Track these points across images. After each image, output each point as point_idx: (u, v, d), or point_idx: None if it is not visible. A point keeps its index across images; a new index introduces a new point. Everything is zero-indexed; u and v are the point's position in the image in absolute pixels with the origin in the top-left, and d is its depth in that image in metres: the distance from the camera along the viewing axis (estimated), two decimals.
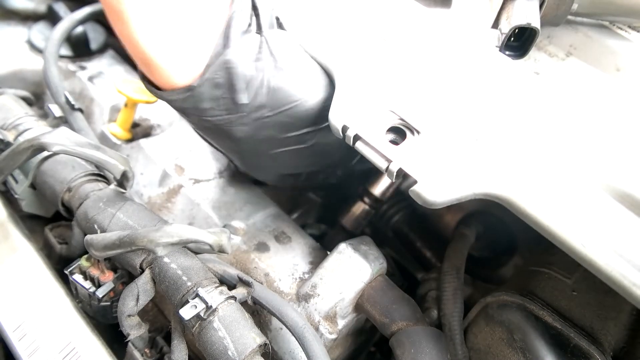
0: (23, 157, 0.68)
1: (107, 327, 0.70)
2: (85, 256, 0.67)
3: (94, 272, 0.66)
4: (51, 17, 1.12)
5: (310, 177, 0.77)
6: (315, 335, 0.56)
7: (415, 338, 0.61)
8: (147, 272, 0.59)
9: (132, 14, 0.50)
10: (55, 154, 0.70)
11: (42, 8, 1.16)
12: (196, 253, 0.62)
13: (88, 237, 0.62)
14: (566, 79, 0.68)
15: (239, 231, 0.74)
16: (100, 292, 0.65)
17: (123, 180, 0.70)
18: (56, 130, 0.68)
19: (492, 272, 0.88)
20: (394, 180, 0.54)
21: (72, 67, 1.08)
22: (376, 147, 0.54)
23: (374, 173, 0.89)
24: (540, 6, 0.66)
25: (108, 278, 0.66)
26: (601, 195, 0.50)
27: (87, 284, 0.66)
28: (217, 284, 0.58)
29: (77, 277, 0.66)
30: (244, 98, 0.57)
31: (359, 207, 0.91)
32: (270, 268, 0.70)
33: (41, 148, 0.66)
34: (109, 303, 0.67)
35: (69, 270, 0.66)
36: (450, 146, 0.54)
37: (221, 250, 0.60)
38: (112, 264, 0.67)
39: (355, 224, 0.92)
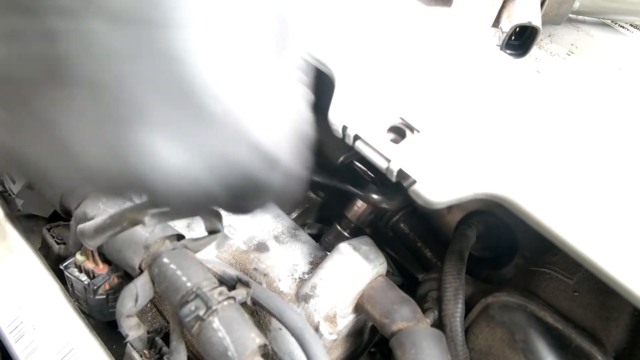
0: None
1: (106, 328, 0.70)
2: (80, 251, 0.67)
3: (89, 265, 0.66)
4: None
5: None
6: (314, 336, 0.56)
7: (415, 339, 0.61)
8: (146, 272, 0.59)
9: None
10: None
11: None
12: (195, 252, 0.62)
13: (80, 226, 0.61)
14: (568, 77, 0.68)
15: (238, 231, 0.74)
16: (95, 283, 0.65)
17: None
18: None
19: (493, 272, 0.87)
20: (394, 180, 0.54)
21: None
22: (376, 147, 0.54)
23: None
24: (542, 5, 0.66)
25: (103, 270, 0.67)
26: (602, 194, 0.50)
27: (83, 277, 0.66)
28: (217, 285, 0.57)
29: (73, 271, 0.66)
30: None
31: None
32: (270, 268, 0.70)
33: None
34: (104, 296, 0.67)
35: (64, 265, 0.67)
36: (450, 145, 0.53)
37: (213, 229, 0.59)
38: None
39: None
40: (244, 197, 0.40)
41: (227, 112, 0.32)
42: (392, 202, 0.78)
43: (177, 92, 0.31)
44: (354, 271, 0.66)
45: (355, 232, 0.90)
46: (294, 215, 0.92)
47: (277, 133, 0.36)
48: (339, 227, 0.90)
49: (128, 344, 0.62)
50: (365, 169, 0.76)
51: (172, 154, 0.32)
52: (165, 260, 0.58)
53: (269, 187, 0.38)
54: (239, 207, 0.43)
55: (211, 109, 0.32)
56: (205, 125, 0.32)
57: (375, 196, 0.77)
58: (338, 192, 0.91)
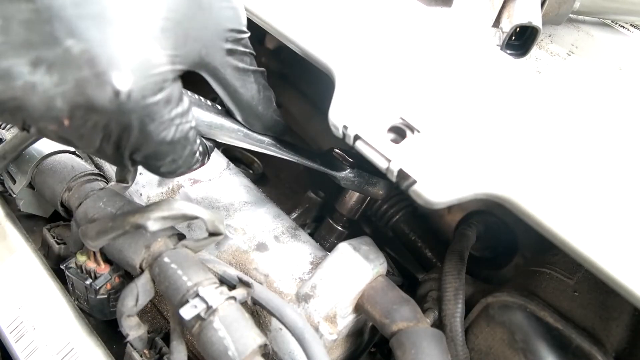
0: (23, 145, 0.69)
1: (106, 328, 0.70)
2: (81, 250, 0.67)
3: (90, 265, 0.66)
4: None
5: None
6: (314, 336, 0.56)
7: (415, 339, 0.61)
8: (146, 272, 0.59)
9: None
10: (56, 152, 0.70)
11: None
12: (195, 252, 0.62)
13: (82, 227, 0.61)
14: (568, 77, 0.68)
15: (238, 231, 0.74)
16: (97, 284, 0.65)
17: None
18: None
19: (493, 272, 0.87)
20: (394, 181, 0.54)
21: None
22: (376, 147, 0.54)
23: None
24: (542, 5, 0.66)
25: (104, 270, 0.67)
26: (603, 195, 0.50)
27: (84, 277, 0.66)
28: (217, 285, 0.57)
29: (74, 271, 0.66)
30: None
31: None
32: (270, 268, 0.70)
33: None
34: (105, 296, 0.67)
35: (64, 265, 0.67)
36: (451, 145, 0.53)
37: (215, 231, 0.59)
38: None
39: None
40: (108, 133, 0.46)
41: (84, 51, 0.42)
42: (376, 186, 0.78)
43: (45, 35, 0.41)
44: (354, 271, 0.66)
45: (348, 224, 0.90)
46: (294, 215, 0.92)
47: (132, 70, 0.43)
48: (330, 221, 0.91)
49: (128, 344, 0.62)
50: (344, 155, 0.76)
51: (39, 80, 0.42)
52: (166, 259, 0.58)
53: (120, 117, 0.45)
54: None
55: (70, 49, 0.42)
56: (66, 60, 0.42)
57: (352, 176, 0.77)
58: (339, 190, 0.91)
